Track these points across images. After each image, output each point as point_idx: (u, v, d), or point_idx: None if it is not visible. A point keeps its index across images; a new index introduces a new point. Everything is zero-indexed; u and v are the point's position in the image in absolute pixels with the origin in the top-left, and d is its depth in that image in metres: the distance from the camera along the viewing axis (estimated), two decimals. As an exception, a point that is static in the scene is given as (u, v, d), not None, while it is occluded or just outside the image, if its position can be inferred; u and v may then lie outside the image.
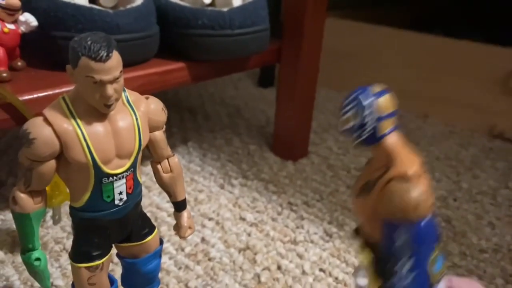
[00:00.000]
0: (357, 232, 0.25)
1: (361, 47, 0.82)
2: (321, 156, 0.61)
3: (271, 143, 0.62)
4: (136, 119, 0.23)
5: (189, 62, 0.45)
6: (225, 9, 0.44)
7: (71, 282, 0.37)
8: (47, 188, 0.23)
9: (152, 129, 0.25)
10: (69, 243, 0.42)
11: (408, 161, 0.22)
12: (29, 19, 0.38)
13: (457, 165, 0.60)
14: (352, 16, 0.87)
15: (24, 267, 0.38)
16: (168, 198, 0.49)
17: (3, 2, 0.35)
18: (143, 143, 0.24)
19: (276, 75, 0.89)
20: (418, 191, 0.21)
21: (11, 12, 0.36)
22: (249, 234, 0.44)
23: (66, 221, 0.44)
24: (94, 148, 0.22)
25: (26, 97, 0.35)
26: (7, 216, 0.45)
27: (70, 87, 0.38)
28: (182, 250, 0.42)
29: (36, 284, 0.37)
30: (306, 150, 0.60)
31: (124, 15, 0.40)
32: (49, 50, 0.40)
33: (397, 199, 0.21)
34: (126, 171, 0.23)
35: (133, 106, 0.23)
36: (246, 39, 0.45)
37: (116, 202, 0.24)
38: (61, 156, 0.22)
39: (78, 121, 0.21)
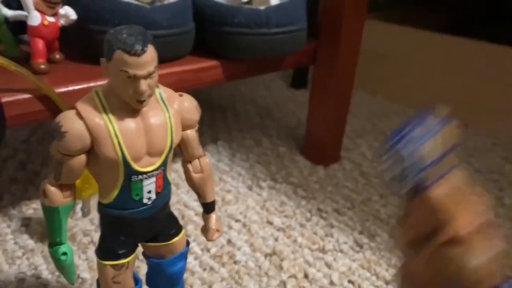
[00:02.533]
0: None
1: (397, 50, 0.79)
2: (354, 162, 0.58)
3: (302, 146, 0.61)
4: (169, 116, 0.22)
5: (223, 61, 0.45)
6: (262, 8, 0.43)
7: (97, 276, 0.37)
8: (77, 181, 0.23)
9: (184, 127, 0.24)
10: (97, 236, 0.42)
11: (463, 215, 0.18)
12: (68, 12, 0.38)
13: (500, 179, 0.57)
14: (389, 18, 0.83)
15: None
16: (196, 197, 0.49)
17: (45, -5, 0.36)
18: (175, 142, 0.23)
19: (310, 77, 0.87)
20: (477, 256, 0.17)
21: (52, 5, 0.36)
22: (276, 239, 0.43)
23: (95, 214, 0.44)
24: (125, 145, 0.21)
25: (62, 90, 0.36)
26: (40, 205, 0.46)
27: (106, 81, 0.38)
28: (208, 251, 0.41)
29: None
30: (338, 155, 0.59)
31: (161, 10, 0.40)
32: (85, 43, 0.40)
33: (453, 268, 0.17)
34: (156, 169, 0.23)
35: (166, 103, 0.23)
36: (282, 39, 0.44)
37: (145, 200, 0.23)
38: (92, 151, 0.21)
39: (110, 116, 0.21)
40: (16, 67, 0.32)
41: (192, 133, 0.25)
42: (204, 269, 0.39)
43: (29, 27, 0.36)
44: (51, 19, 0.37)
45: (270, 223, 0.46)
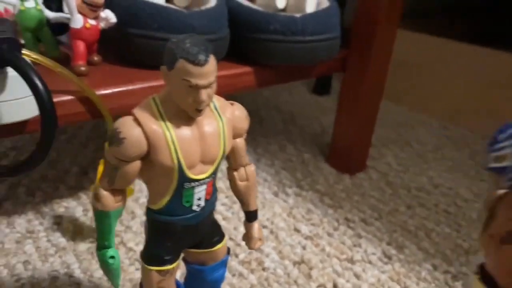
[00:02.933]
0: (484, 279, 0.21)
1: (422, 60, 0.79)
2: (380, 172, 0.58)
3: (327, 153, 0.61)
4: (222, 125, 0.23)
5: (257, 67, 0.45)
6: (298, 15, 0.43)
7: (128, 277, 0.37)
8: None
9: (234, 136, 0.24)
10: (127, 237, 0.42)
11: None
12: (109, 16, 0.39)
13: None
14: (414, 27, 0.83)
15: (84, 256, 0.40)
16: (223, 201, 0.49)
17: (88, -1, 0.36)
18: (227, 150, 0.23)
19: (333, 84, 0.87)
20: None
21: (94, 8, 0.37)
22: (304, 247, 0.43)
23: (125, 215, 0.45)
24: (181, 152, 0.21)
25: (101, 92, 0.36)
26: (70, 204, 0.46)
27: (143, 84, 0.38)
28: (236, 256, 0.41)
29: (95, 274, 0.38)
30: (364, 164, 0.58)
31: (199, 16, 0.40)
32: (124, 46, 0.40)
33: None
34: (208, 177, 0.23)
35: (220, 112, 0.23)
36: (317, 46, 0.44)
37: (194, 207, 0.23)
38: (146, 158, 0.22)
39: (167, 123, 0.21)
40: (62, 69, 0.32)
41: (241, 142, 0.25)
42: (233, 275, 0.39)
43: (72, 30, 0.37)
44: (93, 22, 0.38)
45: (297, 230, 0.46)
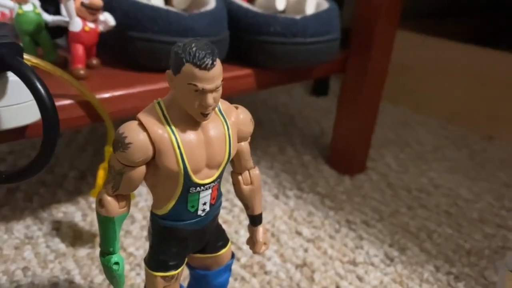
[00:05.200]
0: None
1: (421, 60, 0.79)
2: (380, 173, 0.58)
3: (327, 155, 0.60)
4: (228, 129, 0.22)
5: (257, 69, 0.45)
6: (298, 17, 0.43)
7: (129, 282, 0.37)
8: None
9: (239, 139, 0.24)
10: (126, 242, 0.42)
11: None
12: (108, 19, 0.38)
13: (528, 193, 0.56)
14: (413, 27, 0.83)
15: (84, 261, 0.39)
16: (223, 204, 0.49)
17: (87, 2, 0.36)
18: (232, 154, 0.23)
19: (331, 85, 0.87)
20: None
21: (93, 11, 0.37)
22: (306, 250, 0.43)
23: (125, 220, 0.44)
24: (187, 157, 0.21)
25: (100, 96, 0.36)
26: (69, 209, 0.46)
27: (143, 88, 0.38)
28: (238, 260, 0.41)
29: (96, 280, 0.37)
30: (364, 165, 0.58)
31: (199, 18, 0.40)
32: (124, 50, 0.40)
33: None
34: (213, 181, 0.22)
35: (225, 116, 0.23)
36: (317, 48, 0.43)
37: (199, 212, 0.23)
38: (152, 162, 0.21)
39: (173, 127, 0.21)
40: (61, 73, 0.32)
41: (245, 145, 0.24)
42: (236, 279, 0.39)
43: (70, 33, 0.37)
44: (92, 25, 0.37)
45: (299, 233, 0.45)
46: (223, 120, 0.22)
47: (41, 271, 0.38)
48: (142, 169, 0.21)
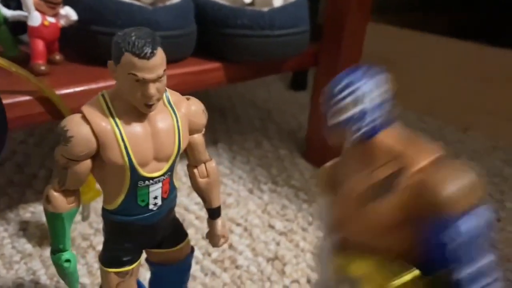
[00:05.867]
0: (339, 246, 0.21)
1: (398, 53, 0.79)
2: (355, 165, 0.58)
3: (303, 149, 0.60)
4: (177, 120, 0.22)
5: (225, 63, 0.44)
6: (266, 9, 0.43)
7: (97, 281, 0.36)
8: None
9: (191, 131, 0.23)
10: (96, 240, 0.41)
11: (425, 149, 0.18)
12: (69, 13, 0.37)
13: (501, 183, 0.57)
14: (390, 21, 0.83)
15: (50, 261, 0.38)
16: (196, 200, 0.48)
17: (45, -5, 0.35)
18: (183, 146, 0.22)
19: (309, 79, 0.87)
20: (450, 182, 0.17)
21: (52, 5, 0.36)
22: (278, 243, 0.43)
23: (95, 217, 0.44)
24: (131, 150, 0.20)
25: (63, 91, 0.35)
26: (37, 208, 0.45)
27: (107, 83, 0.37)
28: (209, 255, 0.41)
29: (63, 281, 0.37)
30: (339, 158, 0.58)
31: (164, 11, 0.39)
32: (87, 44, 0.39)
33: (431, 194, 0.17)
34: (163, 175, 0.22)
35: (174, 107, 0.22)
36: (285, 41, 0.43)
37: (151, 206, 0.23)
38: (97, 156, 0.21)
39: (117, 120, 0.20)
40: (17, 69, 0.31)
41: (199, 138, 0.24)
42: (206, 274, 0.39)
43: (29, 28, 0.36)
44: (52, 19, 0.36)
45: (271, 227, 0.45)
46: (171, 111, 0.22)
47: (5, 272, 0.37)
48: (87, 163, 0.21)
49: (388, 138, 0.19)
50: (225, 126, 0.68)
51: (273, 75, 0.90)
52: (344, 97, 0.18)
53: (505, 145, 0.67)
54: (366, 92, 0.18)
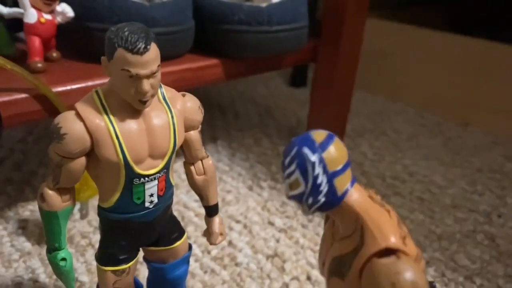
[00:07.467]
0: None
1: (398, 49, 0.79)
2: (355, 162, 0.58)
3: (302, 146, 0.60)
4: (172, 117, 0.22)
5: (223, 59, 0.44)
6: (264, 5, 0.42)
7: (96, 279, 0.36)
8: (75, 183, 0.22)
9: (187, 128, 0.23)
10: (95, 238, 0.41)
11: (384, 223, 0.17)
12: (65, 10, 0.37)
13: (502, 178, 0.56)
14: (389, 16, 0.83)
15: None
16: (195, 197, 0.48)
17: (41, -8, 0.35)
18: (178, 143, 0.22)
19: (309, 75, 0.87)
20: (411, 268, 0.16)
21: (48, 2, 0.36)
22: (277, 240, 0.43)
23: (93, 215, 0.44)
24: (126, 147, 0.20)
25: (60, 89, 0.35)
26: (36, 207, 0.44)
27: (104, 80, 0.37)
28: (209, 252, 0.40)
29: (61, 279, 0.37)
30: (339, 154, 0.58)
31: (160, 8, 0.39)
32: (83, 41, 0.39)
33: (385, 282, 0.16)
34: (158, 172, 0.22)
35: (169, 104, 0.22)
36: (284, 37, 0.43)
37: (147, 204, 0.22)
38: (92, 153, 0.21)
39: (111, 117, 0.20)
40: (12, 66, 0.31)
41: (195, 134, 0.24)
42: (205, 272, 0.38)
43: (26, 25, 0.36)
44: (48, 16, 0.36)
45: (271, 224, 0.45)
46: (167, 108, 0.22)
47: (4, 270, 0.37)
48: (82, 160, 0.21)
49: (356, 203, 0.18)
50: (224, 123, 0.68)
51: (272, 71, 0.90)
52: (293, 171, 0.17)
53: (505, 141, 0.67)
54: (316, 163, 0.17)
